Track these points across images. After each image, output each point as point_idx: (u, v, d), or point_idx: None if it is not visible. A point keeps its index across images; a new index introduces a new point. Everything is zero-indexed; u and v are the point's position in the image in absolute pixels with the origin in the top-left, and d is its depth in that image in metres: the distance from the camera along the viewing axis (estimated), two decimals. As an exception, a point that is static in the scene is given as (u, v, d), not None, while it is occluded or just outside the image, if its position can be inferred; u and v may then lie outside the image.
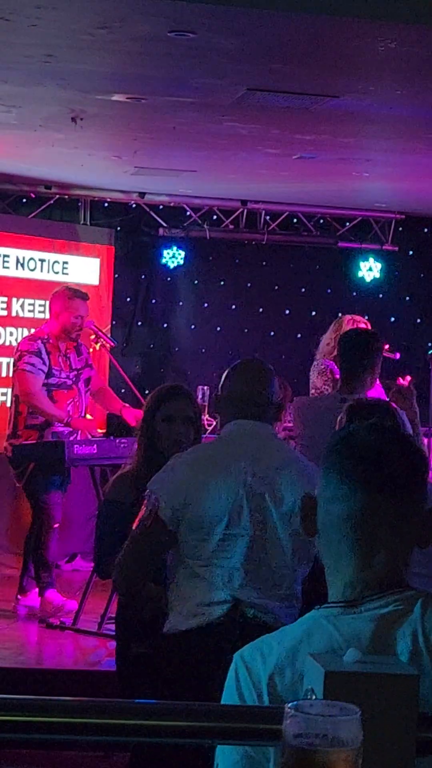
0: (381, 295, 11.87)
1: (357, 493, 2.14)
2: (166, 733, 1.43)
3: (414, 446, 2.26)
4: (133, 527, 4.25)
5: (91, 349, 9.11)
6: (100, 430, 9.42)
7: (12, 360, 8.72)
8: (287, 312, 11.92)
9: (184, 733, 1.46)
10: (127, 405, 8.77)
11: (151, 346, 11.76)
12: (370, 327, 8.85)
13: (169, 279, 11.74)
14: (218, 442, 4.50)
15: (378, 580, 2.12)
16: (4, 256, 10.55)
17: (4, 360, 10.36)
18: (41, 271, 10.80)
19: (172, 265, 11.53)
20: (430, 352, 10.44)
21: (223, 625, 4.12)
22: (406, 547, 2.17)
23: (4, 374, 10.45)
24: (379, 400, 5.91)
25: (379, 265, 11.77)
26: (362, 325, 8.84)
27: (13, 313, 10.61)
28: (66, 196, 11.13)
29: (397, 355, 9.32)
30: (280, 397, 7.36)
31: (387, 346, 8.97)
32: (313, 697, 1.77)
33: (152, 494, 4.21)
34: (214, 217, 11.60)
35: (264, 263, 11.86)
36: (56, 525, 8.27)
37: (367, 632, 2.07)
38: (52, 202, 11.11)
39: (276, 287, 11.90)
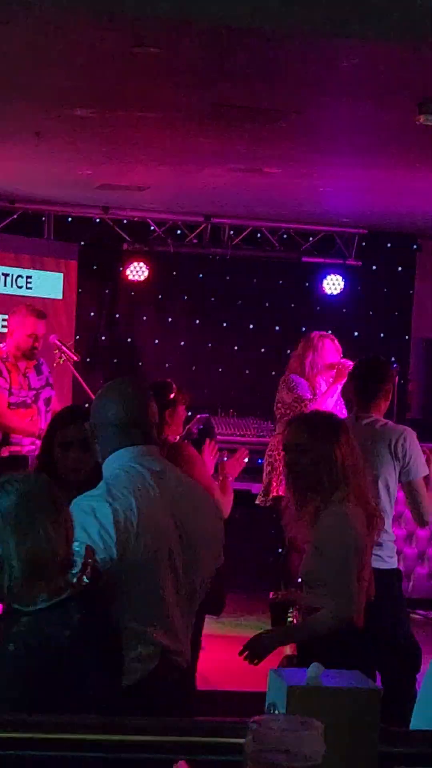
0: (344, 310, 11.90)
1: None
2: (129, 747, 1.43)
3: None
4: None
5: (55, 364, 9.11)
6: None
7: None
8: (251, 326, 11.93)
9: (149, 748, 1.46)
10: None
11: (115, 360, 11.74)
12: (337, 342, 8.91)
13: (133, 293, 11.73)
14: (127, 476, 3.93)
15: None
16: (-32, 270, 10.52)
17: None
18: (5, 285, 10.77)
19: (135, 280, 11.52)
20: (393, 366, 10.49)
21: (157, 678, 3.82)
22: None
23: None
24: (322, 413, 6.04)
25: (342, 280, 11.80)
26: (328, 341, 8.89)
27: (-24, 328, 10.58)
28: (30, 211, 11.12)
29: None
30: (177, 402, 7.35)
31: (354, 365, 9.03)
32: (276, 712, 1.77)
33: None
34: (178, 231, 11.61)
35: (228, 278, 11.88)
36: None
37: None
38: (15, 216, 11.08)
39: (240, 302, 11.91)
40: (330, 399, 9.01)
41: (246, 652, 4.72)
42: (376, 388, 6.48)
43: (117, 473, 3.94)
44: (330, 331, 10.90)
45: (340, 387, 9.04)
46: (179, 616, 3.93)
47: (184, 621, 3.97)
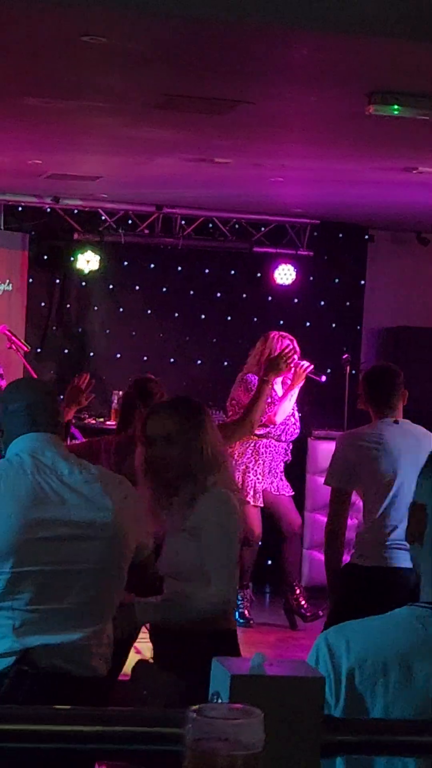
0: (296, 300, 11.92)
1: None
2: (62, 737, 1.42)
3: None
4: None
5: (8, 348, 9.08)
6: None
7: None
8: (203, 317, 11.93)
9: (84, 738, 1.45)
10: None
11: (66, 350, 11.70)
12: (295, 342, 8.96)
13: (84, 284, 11.69)
14: (4, 465, 3.91)
15: None
16: None
17: None
18: None
19: (87, 270, 11.47)
20: (344, 356, 10.54)
21: (8, 679, 3.67)
22: None
23: None
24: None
25: (294, 270, 11.81)
26: (287, 341, 8.95)
27: None
28: (-21, 200, 11.07)
29: (323, 378, 9.42)
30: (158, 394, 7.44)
31: (312, 367, 9.09)
32: (219, 700, 1.77)
33: None
34: (130, 221, 11.58)
35: (179, 268, 11.86)
36: None
37: None
38: (-35, 205, 11.03)
39: (191, 292, 11.90)
40: (287, 402, 9.05)
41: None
42: (394, 392, 6.70)
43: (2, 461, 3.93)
44: (282, 322, 10.94)
45: (296, 390, 9.07)
46: (62, 614, 3.78)
47: (77, 621, 3.81)
